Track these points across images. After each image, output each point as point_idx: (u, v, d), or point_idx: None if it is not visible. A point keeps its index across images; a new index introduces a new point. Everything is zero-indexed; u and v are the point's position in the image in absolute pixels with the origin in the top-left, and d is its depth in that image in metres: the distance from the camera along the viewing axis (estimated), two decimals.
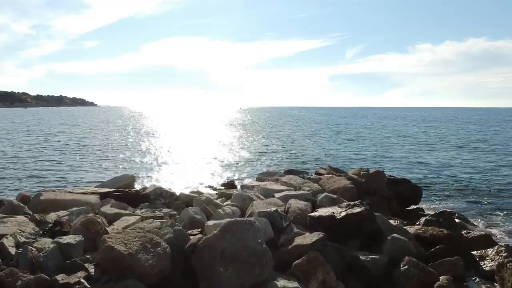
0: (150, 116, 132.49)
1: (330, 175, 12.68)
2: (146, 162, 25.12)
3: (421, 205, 14.85)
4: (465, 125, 74.64)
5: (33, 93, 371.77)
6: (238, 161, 25.10)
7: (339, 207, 9.47)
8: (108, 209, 9.90)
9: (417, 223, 11.17)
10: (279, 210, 9.36)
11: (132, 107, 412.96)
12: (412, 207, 14.44)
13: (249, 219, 7.79)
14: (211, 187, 18.66)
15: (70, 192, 10.98)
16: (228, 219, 8.00)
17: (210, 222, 8.58)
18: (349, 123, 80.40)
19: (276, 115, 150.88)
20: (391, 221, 10.73)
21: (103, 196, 10.82)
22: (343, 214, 8.92)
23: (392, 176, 14.49)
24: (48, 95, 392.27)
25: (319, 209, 9.57)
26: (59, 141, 36.99)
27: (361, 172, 13.83)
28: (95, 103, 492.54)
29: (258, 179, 13.40)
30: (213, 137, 44.51)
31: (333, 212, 9.05)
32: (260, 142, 38.11)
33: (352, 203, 9.42)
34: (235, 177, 20.50)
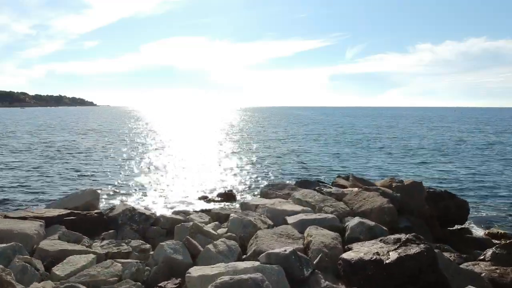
0: (145, 116, 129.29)
1: (358, 189, 9.71)
2: (124, 170, 20.97)
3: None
4: (475, 125, 71.55)
5: (33, 93, 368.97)
6: (238, 168, 21.63)
7: (384, 242, 6.53)
8: (50, 243, 6.96)
9: (481, 257, 8.21)
10: (296, 246, 6.44)
11: (132, 107, 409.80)
12: (457, 227, 11.57)
13: (254, 276, 4.84)
14: (205, 198, 15.69)
15: (6, 216, 8.02)
16: (221, 274, 5.07)
17: (194, 271, 5.65)
18: (355, 124, 77.19)
19: (277, 115, 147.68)
20: (446, 255, 7.78)
21: (51, 221, 7.88)
22: (393, 256, 5.96)
23: (431, 188, 11.54)
24: (47, 95, 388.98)
25: (354, 246, 6.63)
26: (43, 144, 34.07)
27: (393, 184, 10.86)
28: (94, 103, 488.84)
29: (263, 194, 10.44)
30: (210, 139, 40.54)
31: (377, 253, 6.10)
32: (262, 144, 34.69)
33: (403, 236, 6.46)
34: (235, 187, 17.54)
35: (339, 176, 12.91)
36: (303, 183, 10.98)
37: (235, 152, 28.99)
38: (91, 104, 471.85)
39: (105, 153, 28.15)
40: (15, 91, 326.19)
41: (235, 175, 19.93)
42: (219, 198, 15.63)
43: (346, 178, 12.89)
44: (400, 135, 46.81)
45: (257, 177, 19.32)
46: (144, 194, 15.60)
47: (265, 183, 18.24)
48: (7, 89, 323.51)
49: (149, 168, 21.80)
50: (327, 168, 21.68)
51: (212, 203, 15.10)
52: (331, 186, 11.14)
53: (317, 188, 10.53)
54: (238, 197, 15.79)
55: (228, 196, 15.85)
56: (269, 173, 20.32)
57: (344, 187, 11.41)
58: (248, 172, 20.60)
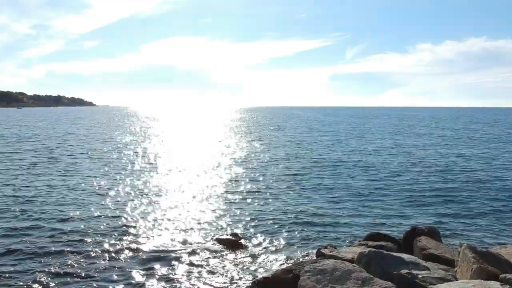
0: (139, 118, 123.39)
1: None
2: (71, 208, 13.78)
3: None
4: (498, 126, 66.10)
5: (33, 93, 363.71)
6: (245, 193, 16.19)
7: None
8: None
9: None
10: None
11: (131, 107, 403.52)
12: None
13: None
14: (199, 246, 10.65)
15: None
16: None
17: None
18: (368, 126, 71.27)
19: (279, 116, 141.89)
20: None
21: None
22: None
23: None
24: (45, 95, 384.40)
25: None
26: None
27: None
28: (93, 103, 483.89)
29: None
30: (208, 151, 30.98)
31: None
32: (273, 155, 27.72)
33: None
34: (240, 225, 12.39)
35: (417, 231, 7.81)
36: (373, 258, 5.89)
37: (239, 170, 21.80)
38: (90, 104, 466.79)
39: (51, 177, 19.32)
40: (14, 91, 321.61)
41: (240, 206, 14.52)
42: (219, 246, 10.60)
43: (430, 233, 7.81)
44: (436, 141, 40.21)
45: (269, 207, 14.17)
46: (100, 249, 10.24)
47: (284, 216, 13.20)
48: (7, 89, 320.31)
49: (116, 198, 15.60)
50: (368, 199, 15.47)
51: (206, 254, 10.08)
52: (426, 265, 6.04)
53: (406, 273, 5.46)
54: (246, 244, 10.76)
55: (232, 244, 10.80)
56: (287, 202, 15.11)
57: (446, 261, 6.34)
58: (258, 201, 15.13)
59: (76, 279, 8.49)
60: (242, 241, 10.96)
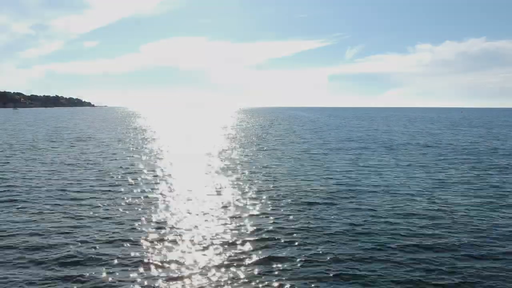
0: (132, 120, 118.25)
1: None
2: None
3: None
4: None
5: (33, 93, 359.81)
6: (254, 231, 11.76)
7: None
8: None
9: None
10: None
11: (131, 108, 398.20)
12: None
13: None
14: None
15: None
16: None
17: None
18: (401, 131, 66.19)
19: (281, 116, 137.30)
20: None
21: None
22: None
23: None
24: (43, 95, 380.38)
25: None
26: None
27: None
28: (92, 103, 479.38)
29: None
30: (208, 173, 21.44)
31: None
32: (289, 172, 21.25)
33: None
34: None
35: None
36: None
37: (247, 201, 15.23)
38: (88, 104, 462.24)
39: None
40: (11, 92, 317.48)
41: (249, 260, 9.68)
42: None
43: None
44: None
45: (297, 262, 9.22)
46: None
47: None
48: (7, 89, 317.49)
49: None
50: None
51: None
52: None
53: None
54: None
55: None
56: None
57: None
58: (273, 249, 10.28)
59: None
60: None
